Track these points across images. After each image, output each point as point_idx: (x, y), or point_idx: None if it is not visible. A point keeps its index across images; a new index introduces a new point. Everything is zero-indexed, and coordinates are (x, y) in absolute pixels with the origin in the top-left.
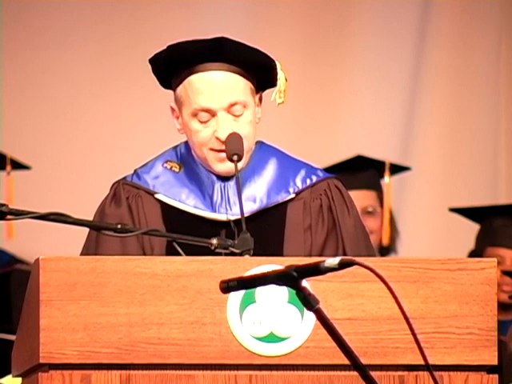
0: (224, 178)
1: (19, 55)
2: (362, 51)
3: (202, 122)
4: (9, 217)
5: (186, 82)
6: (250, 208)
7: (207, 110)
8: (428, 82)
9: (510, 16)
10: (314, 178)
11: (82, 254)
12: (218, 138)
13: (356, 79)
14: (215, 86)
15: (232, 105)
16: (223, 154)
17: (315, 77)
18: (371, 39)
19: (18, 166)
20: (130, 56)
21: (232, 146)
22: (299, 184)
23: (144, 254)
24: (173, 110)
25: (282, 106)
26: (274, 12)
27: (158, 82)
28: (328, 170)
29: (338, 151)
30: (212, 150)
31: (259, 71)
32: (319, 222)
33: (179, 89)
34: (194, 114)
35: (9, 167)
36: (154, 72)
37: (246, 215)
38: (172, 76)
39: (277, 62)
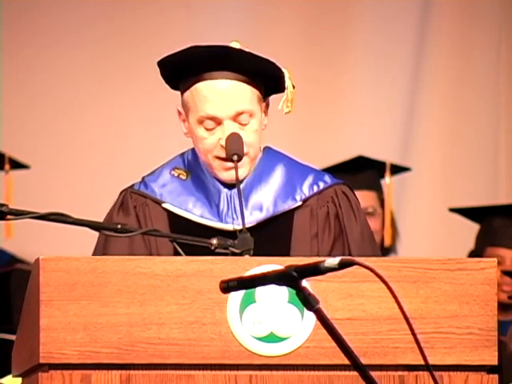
0: (230, 187)
1: (19, 55)
2: (362, 51)
3: (207, 130)
4: (9, 217)
5: (193, 88)
6: (256, 217)
7: (213, 118)
8: (428, 82)
9: (510, 16)
10: (322, 185)
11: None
12: (223, 146)
13: (356, 79)
14: (222, 94)
15: (239, 114)
16: (229, 163)
17: (315, 77)
18: (371, 39)
19: (16, 165)
20: (130, 56)
21: (232, 146)
22: (306, 191)
23: None
24: (179, 113)
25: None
26: (274, 12)
27: (163, 83)
28: (329, 170)
29: (339, 151)
30: (217, 158)
31: (266, 79)
32: (326, 230)
33: (186, 94)
34: (200, 122)
35: (7, 166)
36: (162, 75)
37: (252, 224)
38: (179, 80)
39: (285, 71)
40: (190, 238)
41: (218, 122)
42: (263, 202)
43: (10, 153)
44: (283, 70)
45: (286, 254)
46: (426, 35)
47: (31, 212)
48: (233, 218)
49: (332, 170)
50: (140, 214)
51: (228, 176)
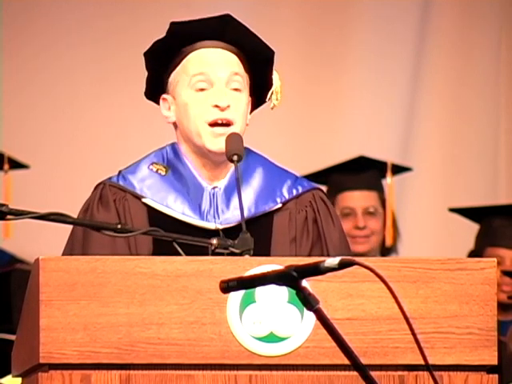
0: (212, 184)
1: (19, 55)
2: (362, 51)
3: (199, 90)
4: (9, 217)
5: (184, 61)
6: (237, 217)
7: (205, 75)
8: (428, 82)
9: (510, 16)
10: (300, 189)
11: (64, 253)
12: (216, 106)
13: (356, 79)
14: (215, 58)
15: (232, 74)
16: (219, 130)
17: (315, 77)
18: (371, 39)
19: (16, 165)
20: (129, 56)
21: (232, 146)
22: (286, 194)
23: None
24: (164, 100)
25: (283, 106)
26: (275, 12)
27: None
28: (330, 170)
29: (339, 152)
30: (208, 124)
31: (256, 62)
32: (304, 234)
33: (174, 73)
34: (192, 85)
35: (7, 166)
36: (150, 63)
37: (233, 224)
38: (167, 64)
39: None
40: (190, 238)
41: (210, 82)
42: (244, 203)
43: (9, 152)
44: (274, 51)
45: (266, 255)
46: (426, 35)
47: (31, 212)
48: (214, 217)
49: (333, 170)
50: (120, 208)
51: (216, 144)
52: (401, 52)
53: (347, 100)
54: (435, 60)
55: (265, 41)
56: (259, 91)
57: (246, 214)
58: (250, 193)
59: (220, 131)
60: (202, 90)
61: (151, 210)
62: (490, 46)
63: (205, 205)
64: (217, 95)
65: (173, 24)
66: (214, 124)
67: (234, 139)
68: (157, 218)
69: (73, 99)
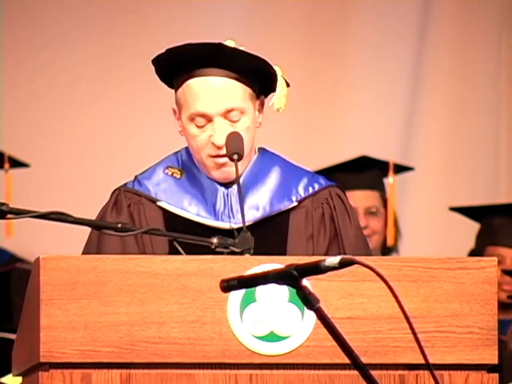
0: (227, 185)
1: (19, 54)
2: (363, 51)
3: (198, 127)
4: (9, 216)
5: (184, 85)
6: (252, 216)
7: (203, 115)
8: (428, 82)
9: (510, 16)
10: (316, 187)
11: (83, 254)
12: (213, 144)
13: (356, 79)
14: (213, 91)
15: (228, 111)
16: (220, 160)
17: (316, 77)
18: (371, 39)
19: (16, 163)
20: (129, 55)
21: (232, 146)
22: (301, 192)
23: None
24: (174, 111)
25: (284, 107)
26: (275, 11)
27: (160, 82)
28: (332, 169)
29: (340, 151)
30: (209, 156)
31: (259, 77)
32: (321, 232)
33: (179, 92)
34: (191, 119)
35: (7, 165)
36: (157, 73)
37: (248, 223)
38: (173, 78)
39: (277, 69)
40: (191, 237)
41: (209, 118)
42: (259, 202)
43: (9, 151)
44: (275, 68)
45: (283, 253)
46: (426, 35)
47: (31, 211)
48: (229, 217)
49: (335, 170)
50: (134, 212)
51: (221, 174)
52: (401, 52)
53: (347, 100)
54: (435, 60)
55: (264, 57)
56: (269, 90)
57: (260, 213)
58: (265, 192)
59: (222, 161)
60: (201, 127)
61: (167, 213)
62: (490, 45)
63: (219, 205)
64: (214, 133)
65: (168, 50)
66: (215, 156)
67: (234, 138)
68: (172, 220)
69: (73, 98)
